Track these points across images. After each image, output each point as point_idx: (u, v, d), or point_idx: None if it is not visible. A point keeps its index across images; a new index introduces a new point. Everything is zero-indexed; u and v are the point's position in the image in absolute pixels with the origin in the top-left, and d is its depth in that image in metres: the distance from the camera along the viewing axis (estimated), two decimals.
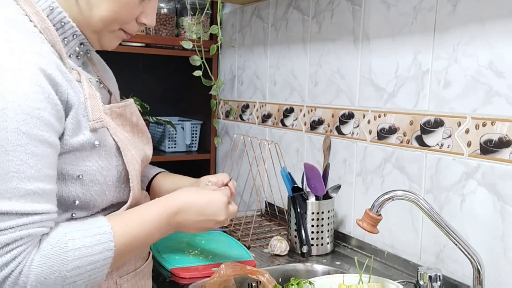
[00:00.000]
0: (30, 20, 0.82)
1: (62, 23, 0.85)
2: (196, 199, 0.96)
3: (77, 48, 0.89)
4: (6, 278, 0.70)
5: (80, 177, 0.83)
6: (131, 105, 0.98)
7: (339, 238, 1.55)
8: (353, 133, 1.53)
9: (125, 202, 0.93)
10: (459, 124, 1.21)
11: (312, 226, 1.45)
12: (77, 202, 0.84)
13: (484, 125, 1.15)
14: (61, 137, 0.80)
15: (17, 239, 0.71)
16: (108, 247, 0.79)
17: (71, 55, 0.89)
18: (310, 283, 1.12)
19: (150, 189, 1.16)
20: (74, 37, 0.87)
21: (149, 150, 1.04)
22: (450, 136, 1.23)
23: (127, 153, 0.91)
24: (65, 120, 0.80)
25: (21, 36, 0.77)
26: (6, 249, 0.70)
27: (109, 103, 0.99)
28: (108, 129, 0.88)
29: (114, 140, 0.89)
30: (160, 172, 1.19)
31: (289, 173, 1.52)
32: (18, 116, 0.71)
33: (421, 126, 1.30)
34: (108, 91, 1.01)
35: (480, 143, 1.16)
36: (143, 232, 0.87)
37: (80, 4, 0.85)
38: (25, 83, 0.72)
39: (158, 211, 0.91)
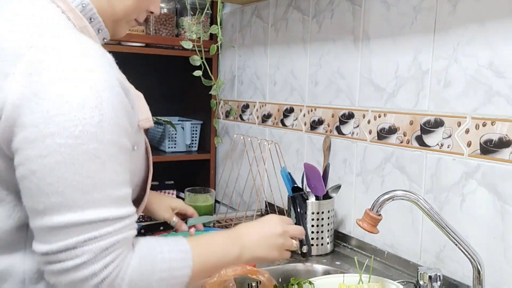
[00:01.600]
0: (68, 19, 0.82)
1: (92, 19, 0.86)
2: (251, 223, 1.05)
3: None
4: (104, 280, 0.72)
5: None
6: None
7: (339, 238, 1.55)
8: (353, 133, 1.53)
9: (137, 201, 0.95)
10: (459, 124, 1.21)
11: (312, 226, 1.45)
12: None
13: (484, 125, 1.15)
14: None
15: (115, 243, 0.73)
16: (188, 265, 0.82)
17: None
18: (310, 283, 1.12)
19: None
20: (99, 31, 0.89)
21: None
22: (450, 136, 1.23)
23: (150, 154, 0.95)
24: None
25: (92, 43, 0.78)
26: (105, 253, 0.72)
27: None
28: (143, 130, 0.92)
29: (145, 142, 0.93)
30: None
31: (289, 173, 1.52)
32: (112, 128, 0.73)
33: (421, 126, 1.30)
34: None
35: (480, 143, 1.16)
36: (213, 254, 0.89)
37: None
38: (111, 93, 0.73)
39: (222, 235, 0.95)
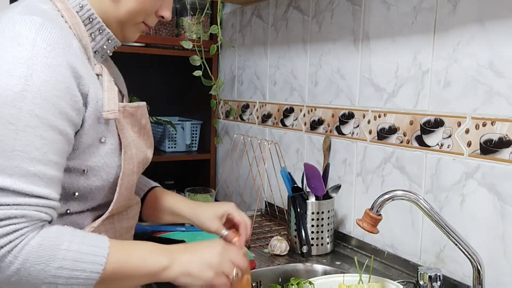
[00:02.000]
0: (62, 16, 0.86)
1: (91, 19, 0.90)
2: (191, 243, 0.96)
3: (104, 47, 0.93)
4: None
5: (85, 171, 0.86)
6: (143, 107, 1.01)
7: (339, 238, 1.55)
8: (353, 133, 1.53)
9: (108, 203, 0.93)
10: (459, 124, 1.21)
11: (312, 226, 1.45)
12: (76, 194, 0.87)
13: (484, 125, 1.15)
14: (78, 131, 0.83)
15: (11, 217, 0.72)
16: (99, 262, 0.77)
17: (97, 52, 0.93)
18: (310, 283, 1.12)
19: (145, 200, 1.16)
20: (101, 31, 0.91)
21: (150, 154, 1.07)
22: (450, 136, 1.23)
23: (127, 151, 0.93)
24: (85, 113, 0.83)
25: (55, 28, 0.80)
26: None
27: None
28: (116, 124, 0.91)
29: (119, 136, 0.91)
30: (156, 187, 1.20)
31: (289, 173, 1.52)
32: (35, 99, 0.74)
33: (421, 126, 1.30)
34: (121, 92, 1.04)
35: (480, 143, 1.16)
36: (135, 258, 0.83)
37: None
38: (49, 71, 0.76)
39: (154, 244, 0.88)
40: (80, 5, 0.88)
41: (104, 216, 0.91)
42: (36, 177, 0.74)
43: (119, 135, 0.91)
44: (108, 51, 0.96)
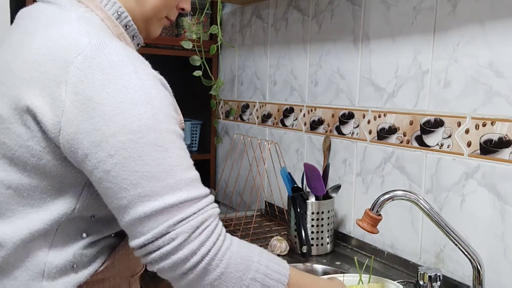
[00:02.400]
0: (108, 27, 0.86)
1: (127, 26, 0.90)
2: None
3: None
4: (203, 258, 0.75)
5: None
6: None
7: (339, 238, 1.55)
8: (353, 133, 1.53)
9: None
10: (459, 124, 1.21)
11: (312, 226, 1.45)
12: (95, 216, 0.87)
13: (484, 125, 1.15)
14: None
15: (204, 221, 0.77)
16: (283, 281, 0.81)
17: None
18: None
19: None
20: (134, 38, 0.93)
21: None
22: (450, 136, 1.23)
23: None
24: None
25: (123, 45, 0.81)
26: (198, 231, 0.76)
27: None
28: None
29: None
30: None
31: (289, 173, 1.52)
32: (164, 118, 0.78)
33: (421, 126, 1.30)
34: None
35: (480, 143, 1.16)
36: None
37: None
38: (155, 87, 0.79)
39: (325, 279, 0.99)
40: (118, 12, 0.88)
41: None
42: (196, 181, 0.80)
43: None
44: (138, 44, 0.98)
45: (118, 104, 0.74)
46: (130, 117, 0.75)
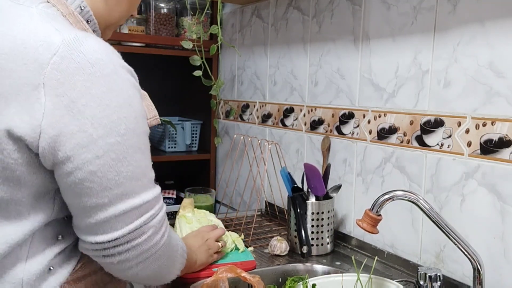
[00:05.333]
0: (70, 23, 0.83)
1: (89, 21, 0.89)
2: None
3: None
4: (162, 247, 0.88)
5: None
6: None
7: (339, 238, 1.55)
8: (353, 133, 1.53)
9: None
10: (459, 124, 1.21)
11: (312, 226, 1.45)
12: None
13: (484, 125, 1.15)
14: None
15: (164, 215, 0.89)
16: (185, 249, 1.04)
17: None
18: (302, 278, 1.12)
19: None
20: (94, 33, 0.90)
21: None
22: (450, 136, 1.23)
23: None
24: None
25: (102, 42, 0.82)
26: (160, 224, 0.87)
27: None
28: None
29: None
30: None
31: (289, 173, 1.52)
32: (142, 119, 0.83)
33: (421, 126, 1.30)
34: None
35: (480, 143, 1.16)
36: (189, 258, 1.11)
37: (108, 1, 0.91)
38: (134, 86, 0.83)
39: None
40: (81, 7, 0.85)
41: None
42: (154, 178, 0.88)
43: None
44: None
45: (105, 107, 0.76)
46: (117, 120, 0.77)
